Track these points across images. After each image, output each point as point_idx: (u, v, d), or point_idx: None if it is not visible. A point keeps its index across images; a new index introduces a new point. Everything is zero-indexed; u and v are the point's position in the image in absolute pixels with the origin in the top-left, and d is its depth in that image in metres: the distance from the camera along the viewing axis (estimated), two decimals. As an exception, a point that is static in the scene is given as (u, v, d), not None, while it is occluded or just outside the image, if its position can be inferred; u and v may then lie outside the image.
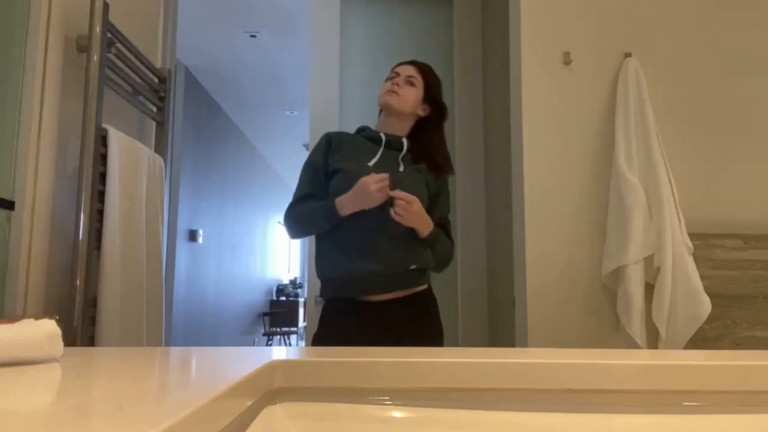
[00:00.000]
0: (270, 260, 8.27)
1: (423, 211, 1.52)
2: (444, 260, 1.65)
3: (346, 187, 1.51)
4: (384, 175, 1.47)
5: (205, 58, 4.51)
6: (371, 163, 1.58)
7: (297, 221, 1.60)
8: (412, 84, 1.65)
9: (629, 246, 1.74)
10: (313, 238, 1.74)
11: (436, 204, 1.64)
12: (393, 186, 1.50)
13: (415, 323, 1.57)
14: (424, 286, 1.61)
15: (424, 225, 1.54)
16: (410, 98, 1.63)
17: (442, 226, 1.65)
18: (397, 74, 1.67)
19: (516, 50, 1.99)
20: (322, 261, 1.59)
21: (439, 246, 1.61)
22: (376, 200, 1.46)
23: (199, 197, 5.00)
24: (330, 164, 1.62)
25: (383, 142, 1.62)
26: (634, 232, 1.74)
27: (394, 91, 1.63)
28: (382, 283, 1.53)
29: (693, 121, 1.95)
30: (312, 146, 2.48)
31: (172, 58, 2.22)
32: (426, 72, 1.69)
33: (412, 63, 1.70)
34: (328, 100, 2.55)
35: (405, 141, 1.64)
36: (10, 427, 0.35)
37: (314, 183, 1.62)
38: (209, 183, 5.26)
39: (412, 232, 1.55)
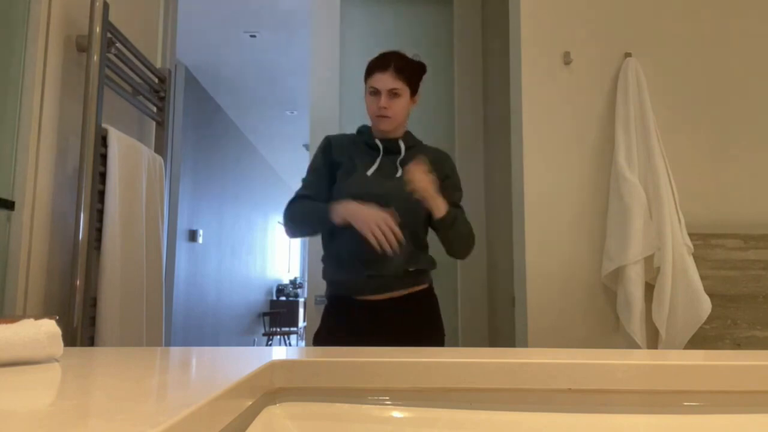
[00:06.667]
0: (270, 260, 8.26)
1: (431, 179, 1.49)
2: (467, 242, 1.58)
3: (344, 194, 1.53)
4: (391, 221, 1.43)
5: (205, 58, 4.51)
6: (369, 173, 1.59)
7: (293, 219, 1.60)
8: (397, 95, 1.57)
9: (629, 246, 1.74)
10: (317, 241, 1.76)
11: (443, 192, 1.58)
12: (390, 198, 1.52)
13: (415, 323, 1.57)
14: (425, 285, 1.61)
15: (438, 199, 1.51)
16: (401, 110, 1.59)
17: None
18: (377, 91, 1.56)
19: (516, 50, 1.99)
20: (325, 265, 1.63)
21: (458, 225, 1.55)
22: (370, 232, 1.43)
23: (199, 197, 5.00)
24: (331, 166, 1.63)
25: (381, 150, 1.62)
26: (634, 232, 1.74)
27: (384, 115, 1.56)
28: (379, 286, 1.55)
29: (693, 121, 1.95)
30: (312, 147, 2.48)
31: (172, 58, 2.22)
32: (401, 68, 1.57)
33: (384, 68, 1.57)
34: (328, 100, 2.55)
35: (402, 144, 1.63)
36: (10, 427, 0.35)
37: (313, 185, 1.63)
38: (209, 183, 5.26)
39: (411, 236, 1.55)
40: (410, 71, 1.60)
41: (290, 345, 7.65)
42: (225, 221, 5.82)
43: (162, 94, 2.02)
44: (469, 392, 0.70)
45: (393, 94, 1.56)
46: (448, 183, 1.63)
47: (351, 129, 1.80)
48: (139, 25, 1.92)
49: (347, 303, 1.57)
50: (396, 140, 1.64)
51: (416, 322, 1.57)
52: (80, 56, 1.54)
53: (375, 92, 1.58)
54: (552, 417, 0.69)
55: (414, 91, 1.63)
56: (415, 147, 1.66)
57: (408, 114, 1.64)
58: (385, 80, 1.56)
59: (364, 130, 1.68)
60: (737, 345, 1.80)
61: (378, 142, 1.63)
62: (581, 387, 0.70)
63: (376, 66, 1.58)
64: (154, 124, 2.04)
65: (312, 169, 1.66)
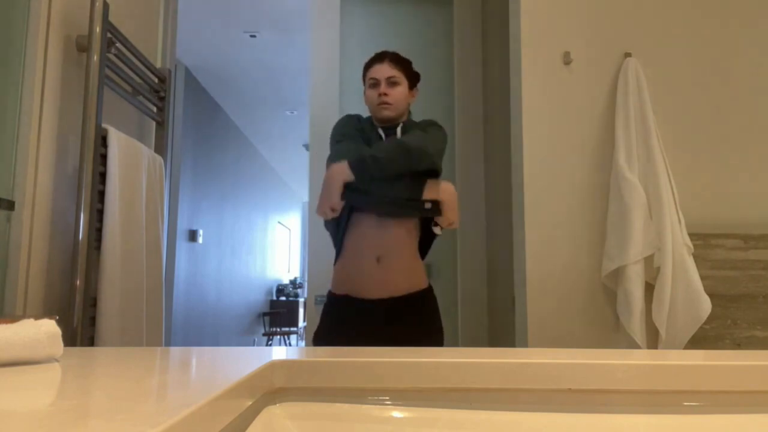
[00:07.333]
0: (270, 260, 8.26)
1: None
2: (408, 153, 1.51)
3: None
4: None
5: (205, 58, 4.51)
6: None
7: (397, 159, 1.50)
8: (395, 84, 1.63)
9: (629, 246, 1.74)
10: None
11: None
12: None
13: (415, 322, 1.58)
14: (424, 286, 1.62)
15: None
16: (401, 99, 1.64)
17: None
18: (377, 80, 1.63)
19: (516, 50, 1.99)
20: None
21: (391, 159, 1.50)
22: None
23: (199, 197, 5.00)
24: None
25: (383, 139, 1.65)
26: (634, 232, 1.74)
27: (385, 102, 1.61)
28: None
29: (693, 120, 1.95)
30: (312, 147, 2.48)
31: (172, 58, 2.22)
32: (397, 59, 1.65)
33: (381, 60, 1.65)
34: (328, 100, 2.55)
35: (399, 132, 1.66)
36: (10, 427, 0.35)
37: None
38: (209, 183, 5.26)
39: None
40: (406, 64, 1.67)
41: (290, 345, 7.65)
42: (225, 221, 5.82)
43: (162, 94, 2.02)
44: (469, 392, 0.70)
45: (392, 82, 1.62)
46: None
47: (351, 129, 1.80)
48: (139, 25, 1.92)
49: (347, 302, 1.58)
50: (394, 128, 1.66)
51: (416, 322, 1.58)
52: (80, 56, 1.54)
53: (374, 84, 1.63)
54: (552, 417, 0.69)
55: (412, 84, 1.68)
56: (410, 129, 1.67)
57: (408, 105, 1.68)
58: (383, 69, 1.63)
59: (369, 122, 1.70)
60: (737, 345, 1.80)
61: (380, 131, 1.66)
62: (581, 387, 0.70)
63: (373, 60, 1.67)
64: (154, 124, 2.04)
65: (353, 135, 1.63)
